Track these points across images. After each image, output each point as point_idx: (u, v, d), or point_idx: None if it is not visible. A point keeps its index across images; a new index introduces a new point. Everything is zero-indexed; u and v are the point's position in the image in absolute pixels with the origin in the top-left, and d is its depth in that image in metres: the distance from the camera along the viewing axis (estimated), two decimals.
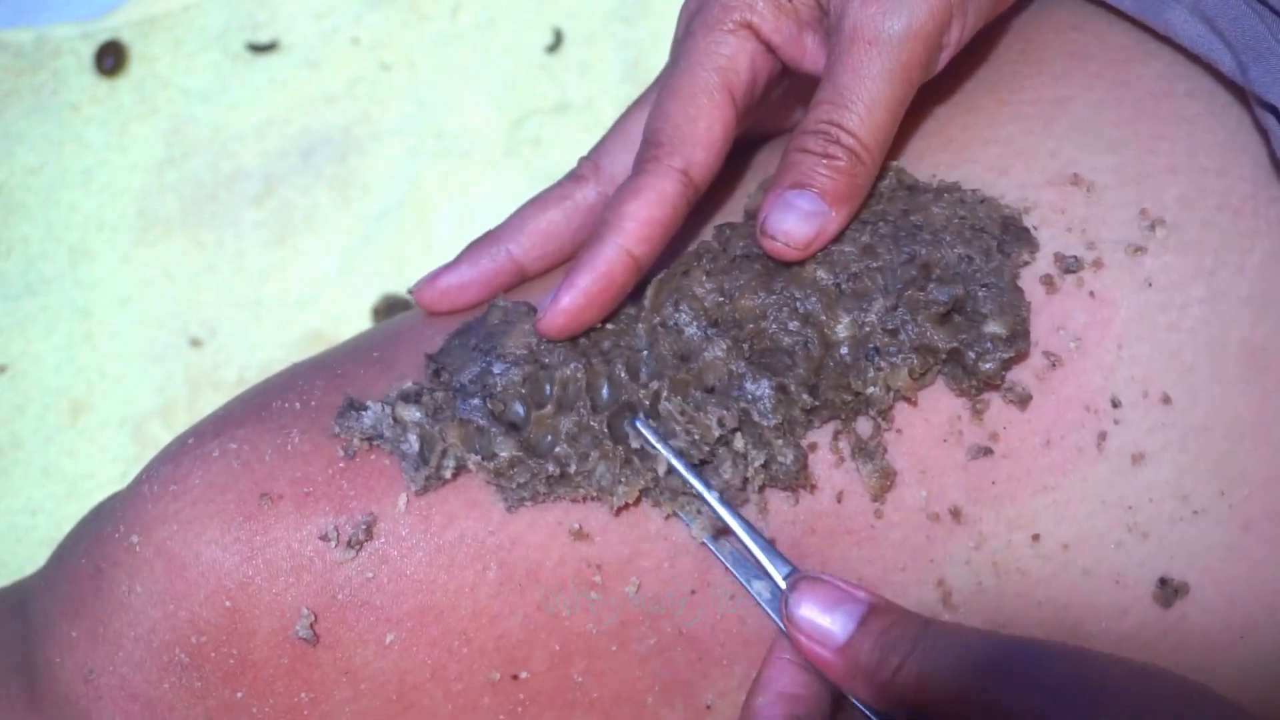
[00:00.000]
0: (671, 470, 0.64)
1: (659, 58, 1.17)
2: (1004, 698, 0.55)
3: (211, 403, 1.12)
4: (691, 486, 0.63)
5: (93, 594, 0.66)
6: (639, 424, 0.64)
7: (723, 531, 0.64)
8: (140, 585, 0.64)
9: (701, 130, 0.67)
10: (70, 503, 1.12)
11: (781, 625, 0.62)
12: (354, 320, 1.17)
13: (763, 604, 0.63)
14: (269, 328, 1.16)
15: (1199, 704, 0.54)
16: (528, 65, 1.21)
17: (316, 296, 1.17)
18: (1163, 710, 0.54)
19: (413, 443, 0.64)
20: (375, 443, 0.65)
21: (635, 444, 0.64)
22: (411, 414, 0.65)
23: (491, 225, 1.15)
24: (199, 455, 0.66)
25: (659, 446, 0.63)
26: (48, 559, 0.73)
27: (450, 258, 1.15)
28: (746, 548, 0.63)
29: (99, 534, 0.67)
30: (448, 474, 0.64)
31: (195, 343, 1.15)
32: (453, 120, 1.21)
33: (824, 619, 0.60)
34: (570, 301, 0.65)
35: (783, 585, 0.62)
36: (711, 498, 0.63)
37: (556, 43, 1.21)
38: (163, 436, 1.13)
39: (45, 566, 0.72)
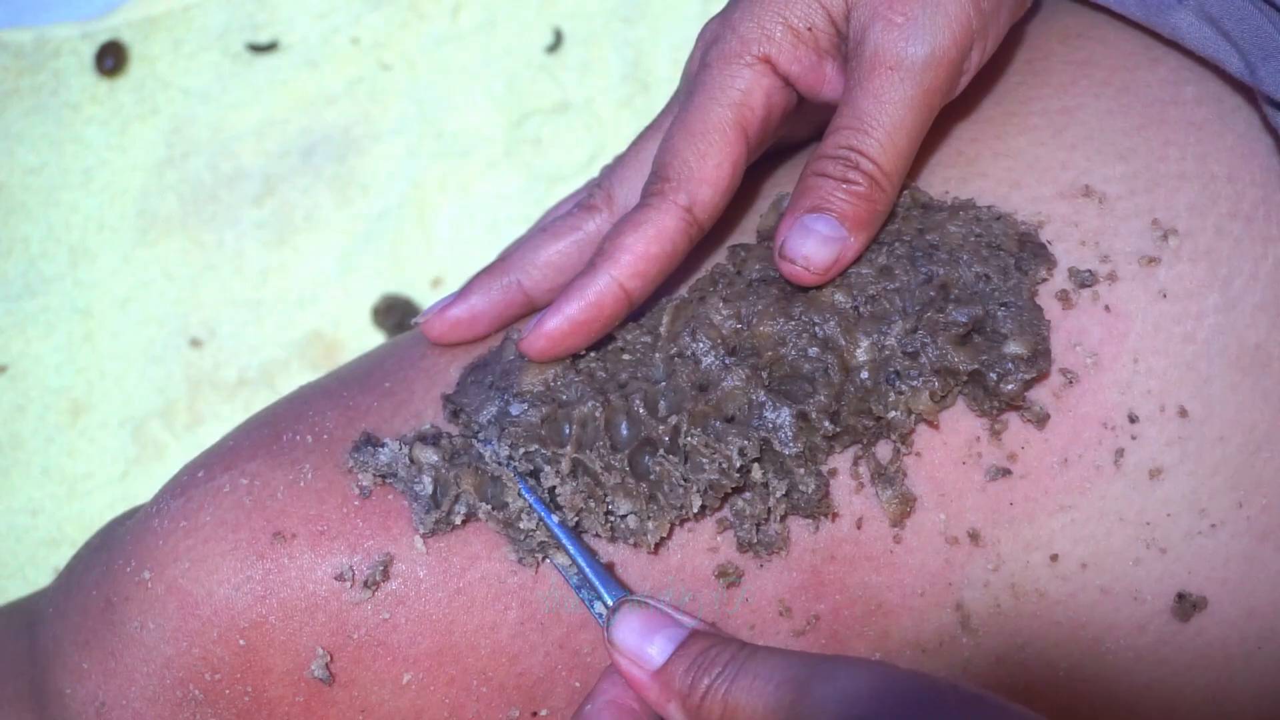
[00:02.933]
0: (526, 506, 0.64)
1: (659, 58, 1.17)
2: (800, 713, 0.53)
3: (211, 403, 1.12)
4: (536, 510, 0.63)
5: (104, 626, 0.65)
6: (488, 446, 0.64)
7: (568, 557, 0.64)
8: (153, 622, 0.64)
9: (710, 168, 0.66)
10: (70, 502, 1.12)
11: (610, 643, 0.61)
12: (354, 320, 1.17)
13: (602, 624, 0.62)
14: (269, 328, 1.16)
15: (983, 711, 0.53)
16: (528, 65, 1.21)
17: (316, 296, 1.17)
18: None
19: (426, 485, 0.64)
20: (388, 481, 0.64)
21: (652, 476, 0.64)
22: (429, 456, 0.64)
23: (491, 225, 1.16)
24: (210, 490, 0.66)
25: (501, 467, 0.64)
26: (56, 581, 0.72)
27: (450, 258, 1.16)
28: (584, 572, 0.62)
29: (109, 566, 0.66)
30: (458, 520, 0.64)
31: (195, 343, 1.15)
32: (453, 120, 1.20)
33: (643, 642, 0.59)
34: (555, 326, 0.65)
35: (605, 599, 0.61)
36: (551, 523, 0.63)
37: (556, 43, 1.21)
38: (163, 437, 1.13)
39: (54, 590, 0.71)
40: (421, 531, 0.64)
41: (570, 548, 0.63)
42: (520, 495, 0.64)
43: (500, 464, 0.64)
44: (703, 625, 0.60)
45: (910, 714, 0.52)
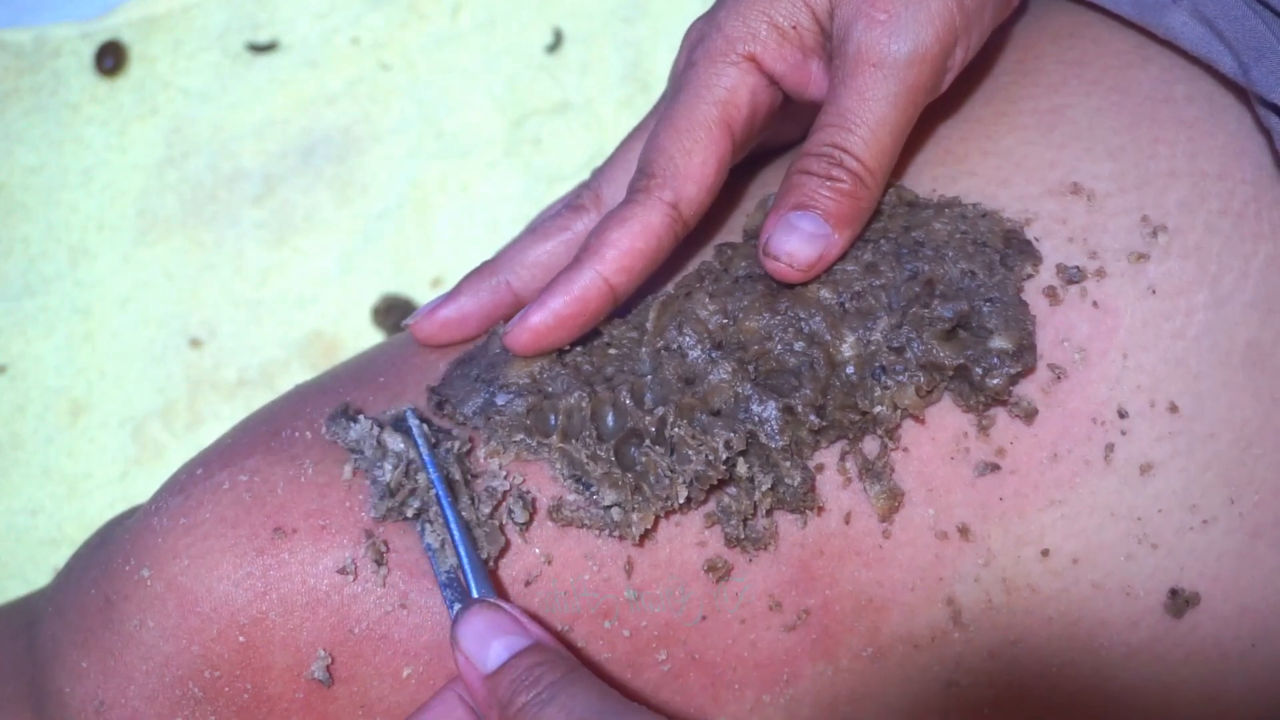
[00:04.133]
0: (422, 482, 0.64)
1: (659, 58, 1.17)
2: None
3: (211, 403, 1.12)
4: (437, 492, 0.63)
5: (103, 625, 0.65)
6: (410, 420, 0.64)
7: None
8: (152, 620, 0.64)
9: (695, 165, 0.67)
10: (70, 502, 1.12)
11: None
12: (354, 320, 1.17)
13: (452, 617, 0.61)
14: (269, 328, 1.16)
15: None
16: (528, 65, 1.21)
17: (316, 296, 1.17)
18: None
19: (387, 471, 0.64)
20: (355, 458, 0.65)
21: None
22: (395, 444, 0.64)
23: (491, 225, 1.16)
24: (209, 487, 0.66)
25: (419, 441, 0.64)
26: (55, 580, 0.72)
27: (450, 258, 1.16)
28: (462, 563, 0.62)
29: (109, 564, 0.66)
30: (409, 513, 0.64)
31: (195, 343, 1.15)
32: (453, 120, 1.20)
33: (482, 645, 0.58)
34: (539, 320, 0.66)
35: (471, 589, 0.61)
36: (445, 503, 0.62)
37: (556, 43, 1.21)
38: (163, 437, 1.13)
39: (53, 589, 0.71)
40: (373, 515, 0.64)
41: (458, 534, 0.62)
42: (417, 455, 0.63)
43: (418, 432, 0.64)
44: (548, 639, 0.59)
45: None
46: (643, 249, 0.66)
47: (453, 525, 0.62)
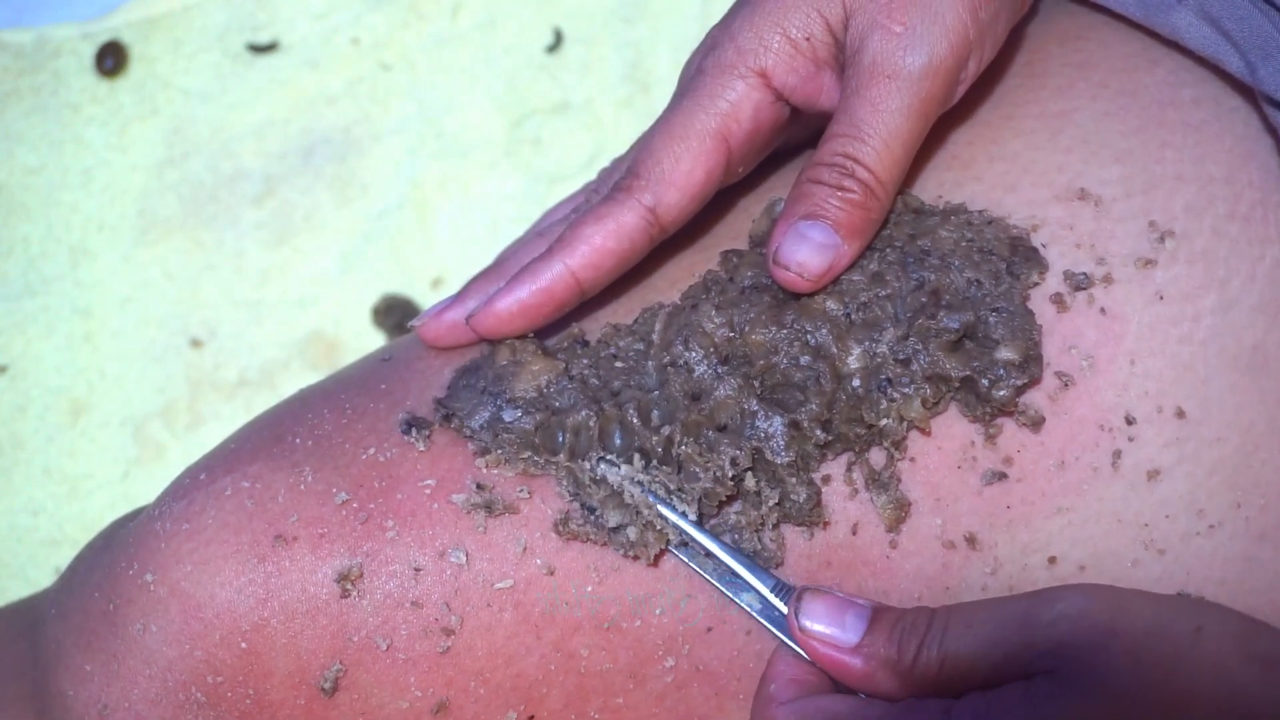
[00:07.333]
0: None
1: (659, 58, 1.17)
2: (1031, 640, 0.56)
3: (212, 403, 1.12)
4: (667, 517, 0.64)
5: (106, 629, 0.65)
6: (606, 465, 0.65)
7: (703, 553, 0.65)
8: (155, 624, 0.64)
9: (681, 173, 0.67)
10: (71, 502, 1.12)
11: (774, 632, 0.63)
12: (354, 320, 1.16)
13: (754, 614, 0.64)
14: (269, 328, 1.16)
15: (1215, 618, 0.56)
16: (528, 65, 1.21)
17: (316, 296, 1.17)
18: (1180, 630, 0.56)
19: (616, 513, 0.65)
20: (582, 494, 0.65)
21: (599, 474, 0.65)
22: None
23: (491, 225, 1.16)
24: (211, 493, 0.66)
25: (623, 472, 0.64)
26: (57, 583, 0.73)
27: (450, 258, 1.16)
28: (729, 568, 0.64)
29: (112, 568, 0.66)
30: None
31: (195, 343, 1.15)
32: (453, 120, 1.20)
33: (834, 628, 0.61)
34: (504, 306, 0.67)
35: (769, 597, 0.63)
36: (687, 524, 0.64)
37: (556, 43, 1.21)
38: (163, 437, 1.13)
39: (56, 592, 0.71)
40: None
41: (716, 545, 0.64)
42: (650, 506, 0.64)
43: (634, 486, 0.64)
44: (877, 604, 0.62)
45: (1164, 614, 0.56)
46: (614, 249, 0.66)
47: (708, 541, 0.64)
